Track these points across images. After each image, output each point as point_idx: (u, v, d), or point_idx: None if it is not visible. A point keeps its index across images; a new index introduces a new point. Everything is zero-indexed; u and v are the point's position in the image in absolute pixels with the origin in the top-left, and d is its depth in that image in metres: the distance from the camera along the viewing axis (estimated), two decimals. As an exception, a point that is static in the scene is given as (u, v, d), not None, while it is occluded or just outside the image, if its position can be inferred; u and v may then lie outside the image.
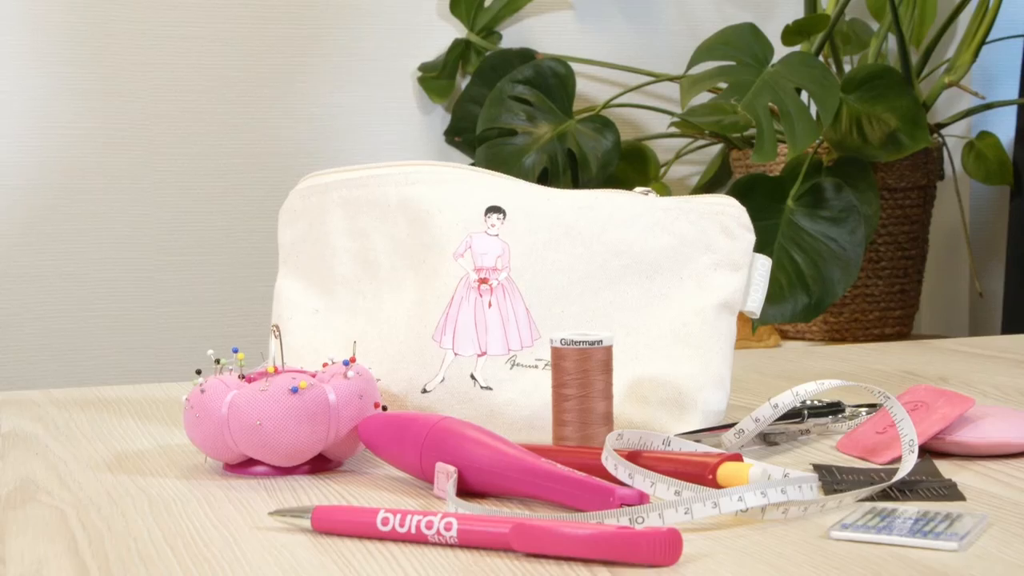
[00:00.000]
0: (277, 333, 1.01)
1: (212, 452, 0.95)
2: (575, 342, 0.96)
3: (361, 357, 1.06)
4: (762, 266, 1.07)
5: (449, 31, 2.44)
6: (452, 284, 1.05)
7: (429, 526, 0.77)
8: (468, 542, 0.77)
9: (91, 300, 2.30)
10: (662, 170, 2.42)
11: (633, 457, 0.89)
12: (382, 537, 0.79)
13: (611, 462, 0.85)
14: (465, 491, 0.88)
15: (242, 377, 0.96)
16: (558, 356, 0.97)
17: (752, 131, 2.20)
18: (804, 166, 2.10)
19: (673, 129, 2.40)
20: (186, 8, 2.31)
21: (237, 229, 2.35)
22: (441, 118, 2.44)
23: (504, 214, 1.06)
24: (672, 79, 2.36)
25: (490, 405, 1.03)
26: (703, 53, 2.16)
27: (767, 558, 0.74)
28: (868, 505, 0.83)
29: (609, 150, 2.25)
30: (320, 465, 0.96)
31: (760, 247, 2.01)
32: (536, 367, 1.04)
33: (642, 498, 0.81)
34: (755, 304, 1.07)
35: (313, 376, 0.96)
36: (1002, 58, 2.58)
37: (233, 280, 2.36)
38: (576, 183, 2.24)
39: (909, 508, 0.81)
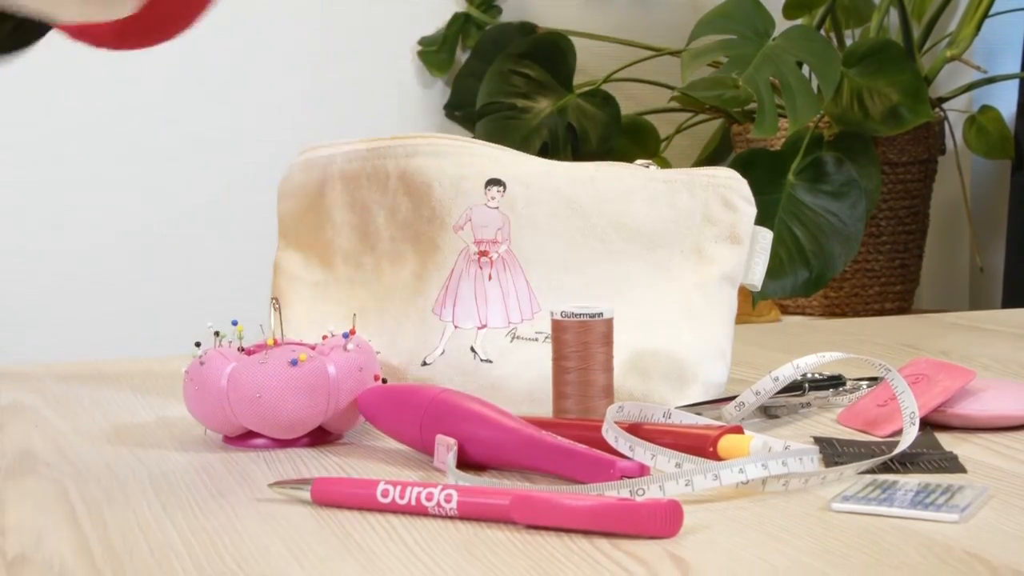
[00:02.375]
0: (276, 306, 1.01)
1: (211, 424, 0.95)
2: (575, 314, 0.96)
3: (361, 329, 1.05)
4: (763, 239, 1.07)
5: (449, 5, 2.43)
6: (452, 257, 1.05)
7: (429, 498, 0.77)
8: (468, 514, 0.76)
9: (90, 274, 2.29)
10: (662, 145, 2.42)
11: (634, 429, 0.89)
12: (382, 509, 0.78)
13: (612, 434, 0.84)
14: (465, 463, 0.88)
15: (241, 349, 0.95)
16: (558, 328, 0.96)
17: (753, 105, 2.20)
18: (805, 140, 2.10)
19: (673, 103, 2.39)
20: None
21: (236, 202, 2.35)
22: (441, 92, 2.43)
23: (504, 187, 1.06)
24: (672, 53, 2.35)
25: (490, 378, 1.03)
26: (704, 27, 2.16)
27: (768, 530, 0.74)
28: (869, 477, 0.83)
29: (609, 124, 2.25)
30: (320, 437, 0.96)
31: (760, 222, 2.01)
32: (536, 340, 1.03)
33: (643, 470, 0.80)
34: (756, 277, 1.07)
35: (313, 349, 0.96)
36: (1004, 32, 2.57)
37: (232, 253, 2.35)
38: (576, 157, 2.24)
39: (910, 480, 0.81)
